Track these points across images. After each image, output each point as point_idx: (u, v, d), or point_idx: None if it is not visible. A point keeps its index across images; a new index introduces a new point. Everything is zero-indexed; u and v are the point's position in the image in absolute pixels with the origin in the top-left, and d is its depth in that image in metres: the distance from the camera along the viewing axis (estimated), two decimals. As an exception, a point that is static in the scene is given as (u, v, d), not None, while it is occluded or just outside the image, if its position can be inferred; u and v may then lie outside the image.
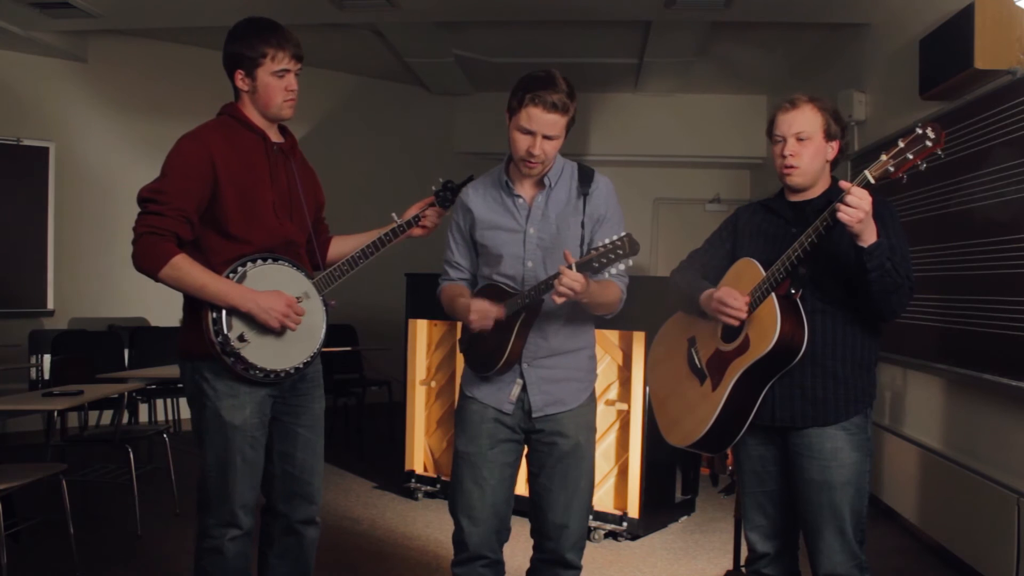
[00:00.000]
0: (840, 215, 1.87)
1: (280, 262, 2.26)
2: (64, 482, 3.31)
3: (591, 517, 3.92)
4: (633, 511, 3.95)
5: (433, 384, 4.70)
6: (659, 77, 7.17)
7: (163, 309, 6.42)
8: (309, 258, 2.42)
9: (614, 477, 4.07)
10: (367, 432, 6.03)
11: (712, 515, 4.43)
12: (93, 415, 5.70)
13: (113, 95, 6.43)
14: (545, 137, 2.10)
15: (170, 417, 6.01)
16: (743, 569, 2.48)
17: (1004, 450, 3.36)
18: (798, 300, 2.06)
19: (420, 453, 4.72)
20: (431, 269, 4.43)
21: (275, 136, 2.33)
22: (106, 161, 6.38)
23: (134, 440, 4.20)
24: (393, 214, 2.50)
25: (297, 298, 2.23)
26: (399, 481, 4.70)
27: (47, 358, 5.24)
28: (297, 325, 2.22)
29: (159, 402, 5.94)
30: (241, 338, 2.16)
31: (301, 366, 2.29)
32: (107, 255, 6.32)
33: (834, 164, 2.21)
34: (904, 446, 4.16)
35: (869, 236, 1.92)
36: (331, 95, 7.39)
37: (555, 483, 2.21)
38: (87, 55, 6.30)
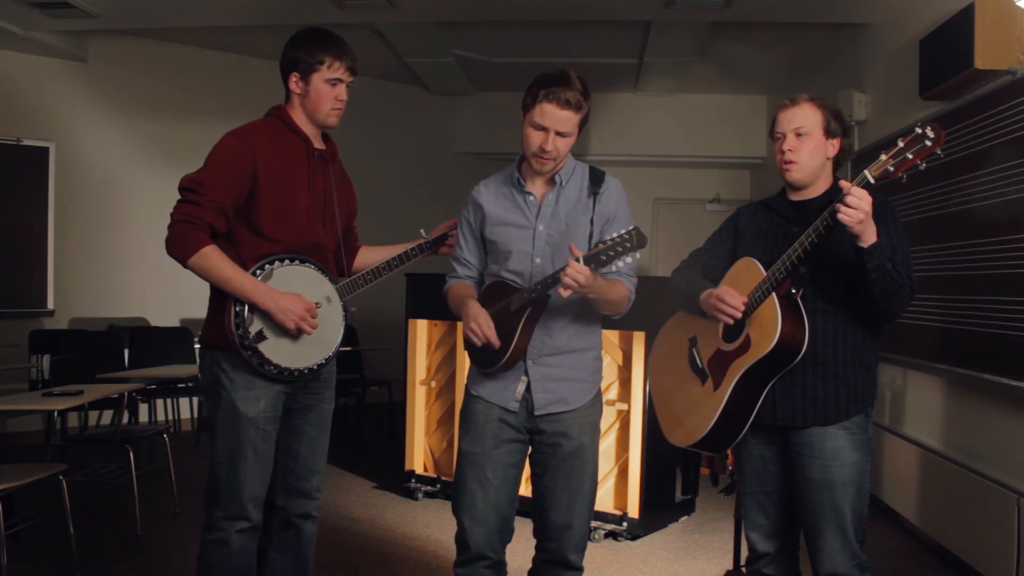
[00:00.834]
0: (840, 215, 1.87)
1: (307, 264, 2.32)
2: (64, 482, 3.31)
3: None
4: (633, 511, 3.95)
5: (433, 384, 4.69)
6: (659, 77, 7.17)
7: (163, 309, 6.43)
8: (336, 264, 2.49)
9: (614, 477, 4.07)
10: (367, 432, 6.03)
11: (712, 515, 4.43)
12: (93, 415, 5.69)
13: (113, 95, 6.43)
14: (558, 134, 2.12)
15: (170, 417, 6.01)
16: (743, 569, 2.48)
17: (1004, 450, 3.37)
18: (799, 300, 2.06)
19: (420, 453, 4.72)
20: (431, 269, 4.43)
21: (318, 143, 2.40)
22: (106, 161, 6.38)
23: (134, 440, 4.20)
24: (421, 230, 2.61)
25: (318, 303, 2.29)
26: (399, 481, 4.70)
27: (47, 358, 5.23)
28: (313, 330, 2.27)
29: (159, 402, 5.94)
30: (260, 334, 2.22)
31: (316, 367, 2.35)
32: (107, 255, 6.33)
33: (837, 164, 2.21)
34: (904, 446, 4.16)
35: (869, 236, 1.91)
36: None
37: (559, 484, 2.21)
38: (87, 55, 6.29)
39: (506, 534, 2.26)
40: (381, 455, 5.52)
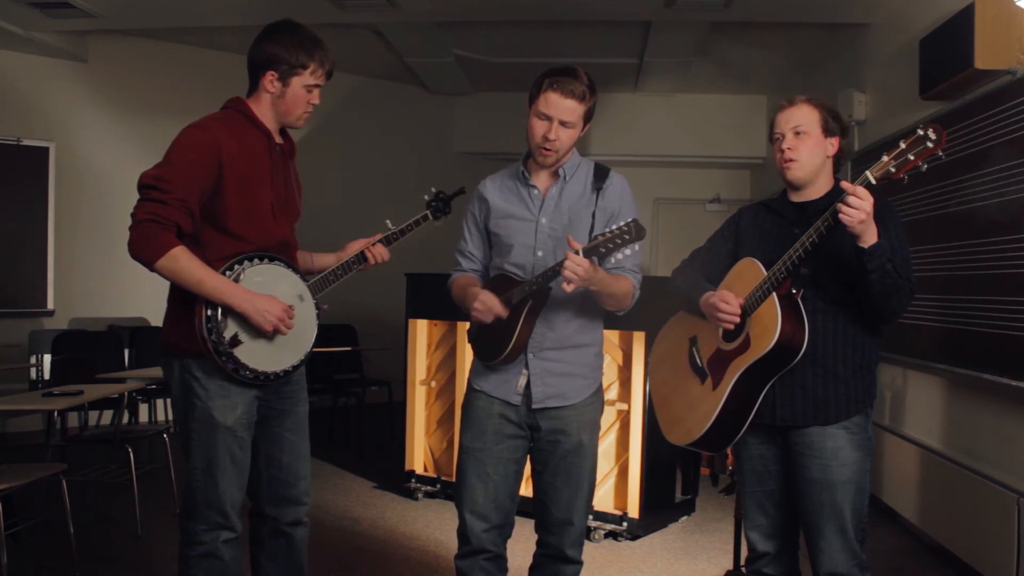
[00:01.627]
0: (841, 216, 1.88)
1: (276, 262, 2.25)
2: (64, 482, 3.31)
3: (591, 517, 3.92)
4: (633, 511, 3.95)
5: (433, 384, 4.69)
6: (659, 77, 7.18)
7: (163, 309, 6.40)
8: None
9: (614, 477, 4.07)
10: (367, 432, 6.02)
11: (712, 515, 4.43)
12: (93, 415, 5.69)
13: (113, 95, 6.43)
14: (562, 123, 2.14)
15: (170, 417, 6.00)
16: (743, 569, 2.48)
17: (1004, 450, 3.37)
18: (799, 300, 2.06)
19: (420, 453, 4.72)
20: (431, 269, 4.44)
21: (278, 137, 2.32)
22: (106, 161, 6.37)
23: (134, 440, 4.20)
24: (388, 221, 2.56)
25: (290, 304, 2.22)
26: (399, 481, 4.70)
27: (47, 358, 5.23)
28: (289, 330, 2.21)
29: (159, 402, 5.93)
30: (235, 338, 2.13)
31: (290, 369, 2.28)
32: (107, 255, 6.32)
33: (837, 165, 2.22)
34: (904, 446, 4.16)
35: (870, 237, 1.92)
36: (331, 95, 7.30)
37: (559, 480, 2.24)
38: (87, 55, 6.30)
39: (506, 528, 2.29)
40: (381, 455, 5.52)
